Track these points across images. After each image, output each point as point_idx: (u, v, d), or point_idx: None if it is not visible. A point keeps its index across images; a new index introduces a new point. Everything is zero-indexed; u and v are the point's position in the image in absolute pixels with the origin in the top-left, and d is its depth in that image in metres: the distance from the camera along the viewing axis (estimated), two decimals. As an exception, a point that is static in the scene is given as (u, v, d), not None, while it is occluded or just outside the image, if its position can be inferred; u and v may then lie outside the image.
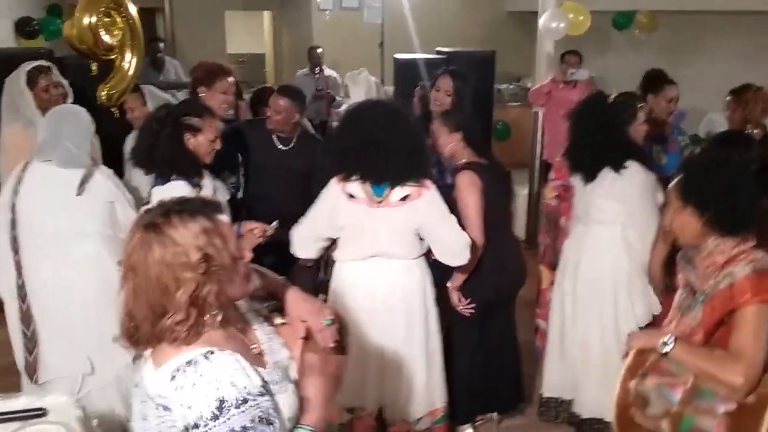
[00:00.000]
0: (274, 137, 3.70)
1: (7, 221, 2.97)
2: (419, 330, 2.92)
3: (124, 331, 1.48)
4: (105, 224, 3.02)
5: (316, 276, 3.70)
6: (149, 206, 2.65)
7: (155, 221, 1.44)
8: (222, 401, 1.36)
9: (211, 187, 2.97)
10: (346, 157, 2.84)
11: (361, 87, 4.31)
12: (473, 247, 2.91)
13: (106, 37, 4.41)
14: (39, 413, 2.12)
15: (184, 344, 1.43)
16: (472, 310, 3.17)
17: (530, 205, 6.18)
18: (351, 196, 2.82)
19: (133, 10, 4.64)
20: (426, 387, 2.98)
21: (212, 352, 1.42)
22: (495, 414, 3.53)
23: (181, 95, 5.02)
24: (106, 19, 4.44)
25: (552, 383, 3.46)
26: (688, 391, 1.95)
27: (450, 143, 3.20)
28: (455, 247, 2.88)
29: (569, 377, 3.35)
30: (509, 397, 3.51)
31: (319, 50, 7.23)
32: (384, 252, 2.86)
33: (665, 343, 1.99)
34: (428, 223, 2.84)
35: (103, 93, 4.55)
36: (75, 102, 4.72)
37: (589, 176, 3.16)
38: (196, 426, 1.36)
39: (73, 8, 4.47)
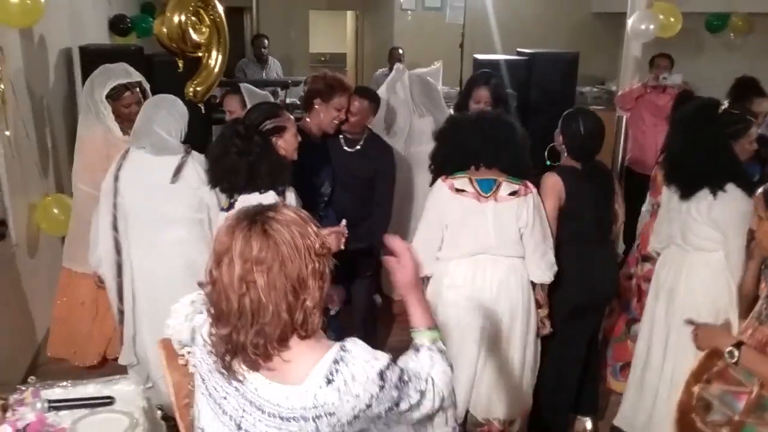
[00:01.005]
0: (342, 139, 3.65)
1: (109, 205, 3.11)
2: (520, 330, 2.89)
3: (241, 342, 1.43)
4: (194, 209, 3.09)
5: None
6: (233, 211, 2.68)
7: (267, 215, 1.45)
8: (381, 371, 1.45)
9: (293, 194, 2.92)
10: (463, 153, 2.88)
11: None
12: None
13: (193, 35, 4.55)
14: (106, 402, 2.17)
15: (313, 337, 1.47)
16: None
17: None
18: (459, 190, 2.83)
19: (220, 9, 4.77)
20: (522, 388, 2.96)
21: (344, 345, 1.46)
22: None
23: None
24: (194, 18, 4.58)
25: (624, 414, 3.26)
26: (752, 401, 1.92)
27: (557, 141, 3.17)
28: (543, 262, 2.88)
29: (645, 412, 3.12)
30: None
31: (400, 51, 7.23)
32: (492, 248, 2.83)
33: (731, 353, 1.94)
34: (530, 224, 2.83)
35: (189, 90, 4.70)
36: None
37: (686, 193, 2.91)
38: (369, 406, 1.44)
39: (166, 7, 4.62)
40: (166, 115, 3.09)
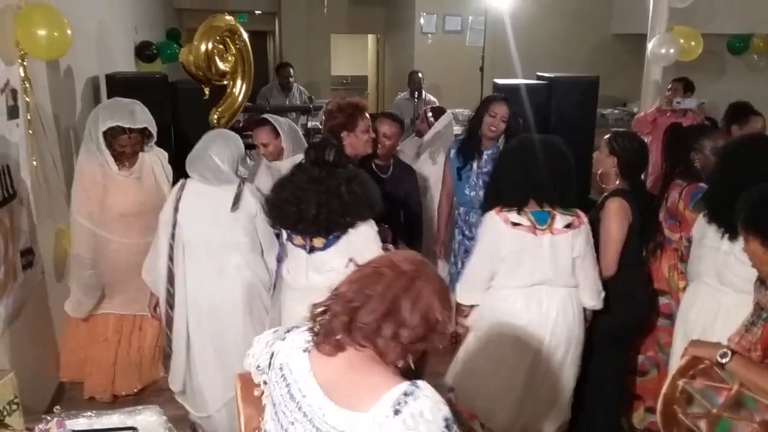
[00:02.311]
0: (373, 165, 3.68)
1: (167, 235, 3.18)
2: (573, 355, 2.93)
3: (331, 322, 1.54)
4: (252, 236, 3.17)
5: None
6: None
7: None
8: (447, 419, 1.45)
9: None
10: (519, 186, 2.85)
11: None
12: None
13: (219, 64, 4.64)
14: (129, 432, 2.19)
15: (390, 366, 1.54)
16: None
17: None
18: (515, 224, 2.83)
19: (245, 37, 4.87)
20: (566, 404, 3.00)
21: (415, 382, 1.47)
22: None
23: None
24: (221, 47, 4.68)
25: None
26: (731, 397, 2.01)
27: (605, 165, 3.15)
28: (594, 288, 2.92)
29: None
30: None
31: (420, 74, 7.27)
32: (549, 279, 2.85)
33: (724, 355, 2.01)
34: (582, 254, 2.86)
35: (214, 117, 4.79)
36: (184, 124, 5.00)
37: (734, 233, 2.65)
38: None
39: (190, 32, 4.73)
40: (223, 143, 3.15)
